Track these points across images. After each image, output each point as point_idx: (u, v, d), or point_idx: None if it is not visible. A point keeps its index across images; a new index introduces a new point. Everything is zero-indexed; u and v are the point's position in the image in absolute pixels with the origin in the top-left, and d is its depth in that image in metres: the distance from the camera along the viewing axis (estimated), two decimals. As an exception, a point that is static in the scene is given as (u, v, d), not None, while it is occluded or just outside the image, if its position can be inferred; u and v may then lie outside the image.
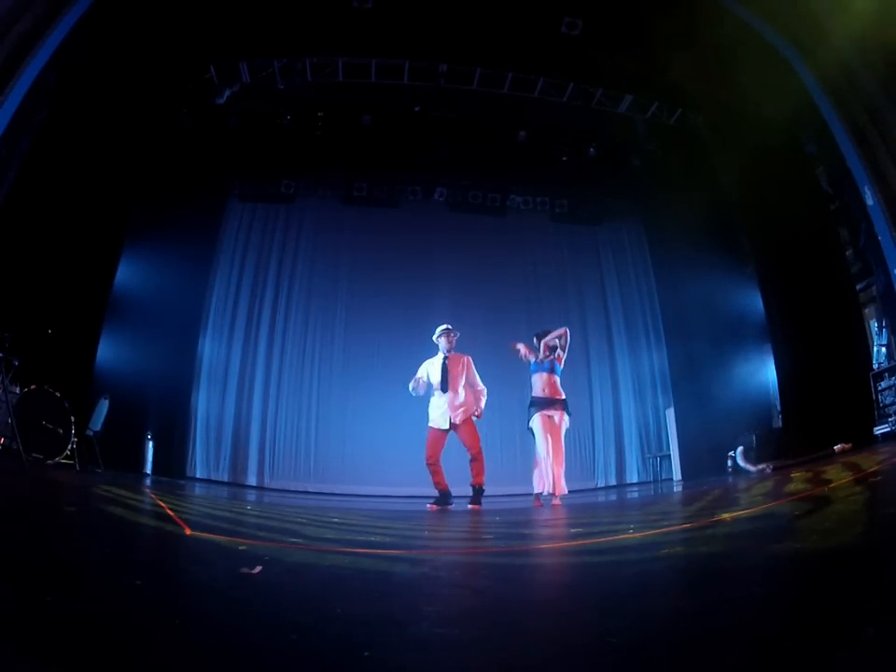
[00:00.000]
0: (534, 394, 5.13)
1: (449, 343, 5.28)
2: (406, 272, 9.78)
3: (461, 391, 5.15)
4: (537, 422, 4.98)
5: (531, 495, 5.07)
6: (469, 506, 4.82)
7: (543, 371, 5.12)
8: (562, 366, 5.23)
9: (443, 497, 4.94)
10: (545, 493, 4.83)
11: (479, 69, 7.93)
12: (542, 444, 4.89)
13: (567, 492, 4.95)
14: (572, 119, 8.85)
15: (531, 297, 10.17)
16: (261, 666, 0.86)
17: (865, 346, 6.73)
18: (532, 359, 5.25)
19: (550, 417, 4.99)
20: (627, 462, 9.74)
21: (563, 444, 5.00)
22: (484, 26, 7.04)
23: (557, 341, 5.26)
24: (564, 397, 5.11)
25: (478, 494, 4.93)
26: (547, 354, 5.18)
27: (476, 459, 5.02)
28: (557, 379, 5.13)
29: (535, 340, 5.33)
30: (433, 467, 5.02)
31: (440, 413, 5.11)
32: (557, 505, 4.73)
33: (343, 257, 9.97)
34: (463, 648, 0.95)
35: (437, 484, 5.00)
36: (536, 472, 4.92)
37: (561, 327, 5.36)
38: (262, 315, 9.68)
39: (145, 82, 6.70)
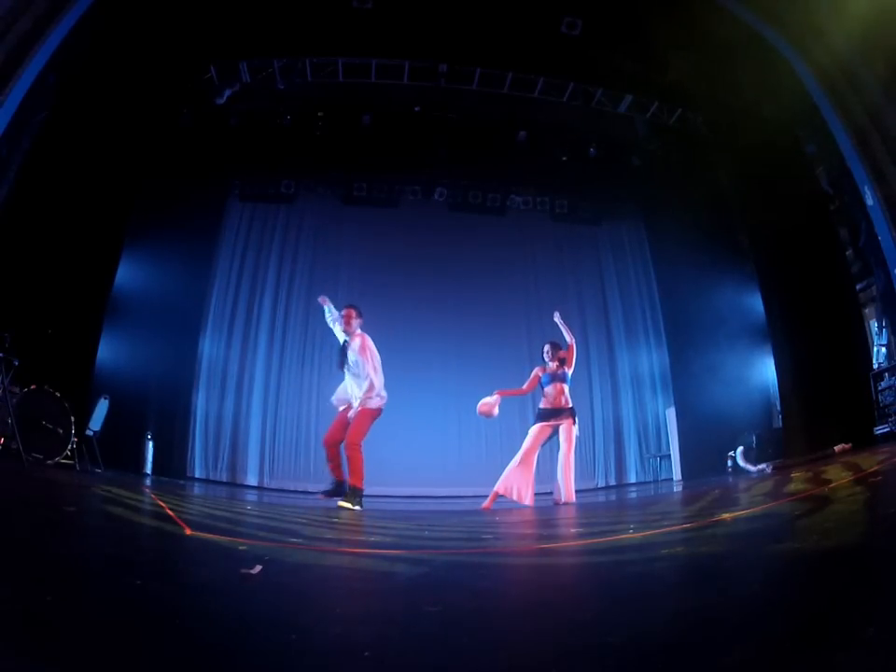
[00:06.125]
0: (541, 405, 5.17)
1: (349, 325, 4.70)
2: (406, 271, 9.77)
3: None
4: (531, 431, 5.08)
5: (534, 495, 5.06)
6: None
7: (557, 381, 5.11)
8: (570, 373, 5.22)
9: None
10: (514, 498, 4.83)
11: (479, 69, 7.91)
12: (520, 451, 4.98)
13: (573, 500, 4.89)
14: (572, 119, 8.85)
15: (531, 297, 10.17)
16: (261, 666, 0.86)
17: (865, 346, 6.71)
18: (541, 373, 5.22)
19: (549, 428, 5.04)
20: (627, 462, 9.74)
21: (572, 454, 4.92)
22: (484, 26, 7.02)
23: (565, 338, 5.26)
24: (571, 405, 5.11)
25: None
26: (559, 365, 5.16)
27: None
28: (566, 388, 5.12)
29: (547, 348, 5.24)
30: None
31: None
32: (560, 504, 4.75)
33: (343, 257, 9.96)
34: (463, 648, 0.95)
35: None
36: (504, 473, 4.93)
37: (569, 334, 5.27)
38: (262, 314, 9.67)
39: (145, 82, 6.69)
